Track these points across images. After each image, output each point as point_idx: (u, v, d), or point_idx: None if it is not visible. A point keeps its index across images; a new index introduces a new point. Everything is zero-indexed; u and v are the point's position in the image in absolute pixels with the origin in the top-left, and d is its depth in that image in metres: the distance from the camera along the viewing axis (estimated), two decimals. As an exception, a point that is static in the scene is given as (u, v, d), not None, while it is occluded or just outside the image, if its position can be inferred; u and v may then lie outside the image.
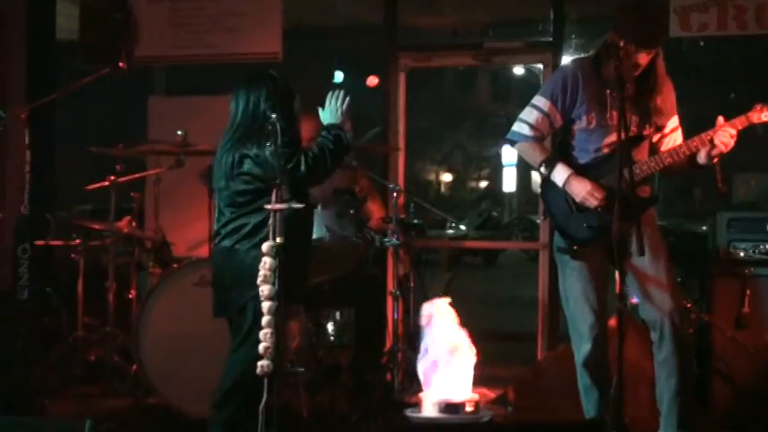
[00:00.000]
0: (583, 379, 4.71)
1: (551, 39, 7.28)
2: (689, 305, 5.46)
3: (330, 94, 4.44)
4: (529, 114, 4.70)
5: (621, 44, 4.32)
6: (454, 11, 9.85)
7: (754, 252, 5.45)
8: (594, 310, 4.63)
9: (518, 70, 25.56)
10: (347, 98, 4.41)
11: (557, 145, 4.80)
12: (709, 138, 4.41)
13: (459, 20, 10.40)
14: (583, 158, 4.65)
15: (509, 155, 37.30)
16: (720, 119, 4.42)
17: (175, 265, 5.83)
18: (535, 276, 7.48)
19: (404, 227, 6.14)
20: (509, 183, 37.70)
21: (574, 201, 4.57)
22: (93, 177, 6.39)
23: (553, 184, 4.63)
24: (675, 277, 4.71)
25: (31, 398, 5.50)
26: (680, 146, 4.55)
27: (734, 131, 4.39)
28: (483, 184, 39.83)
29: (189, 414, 5.19)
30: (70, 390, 6.15)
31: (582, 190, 4.49)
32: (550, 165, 4.58)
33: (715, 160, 4.51)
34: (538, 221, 9.01)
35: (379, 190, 6.51)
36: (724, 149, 4.40)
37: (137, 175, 6.55)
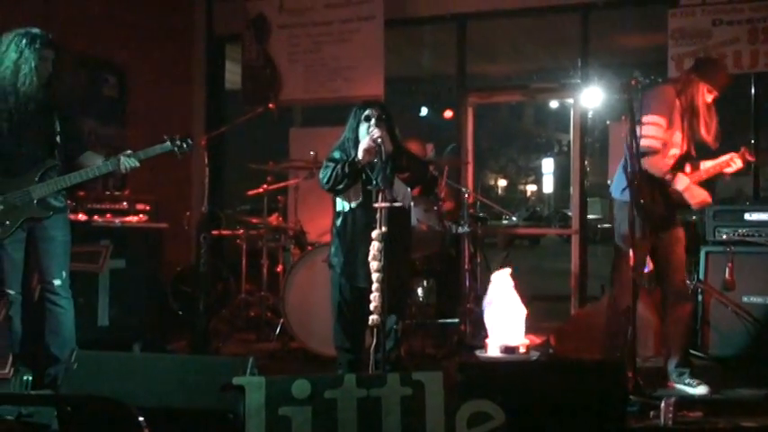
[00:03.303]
0: None
1: (579, 80, 7.12)
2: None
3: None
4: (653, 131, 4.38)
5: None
6: (508, 62, 9.78)
7: (733, 235, 5.29)
8: None
9: (554, 104, 25.23)
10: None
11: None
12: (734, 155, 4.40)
13: (512, 68, 10.32)
14: None
15: (547, 166, 36.91)
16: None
17: (309, 248, 5.83)
18: (568, 254, 7.33)
19: (472, 218, 6.06)
20: (548, 186, 37.20)
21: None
22: (251, 185, 6.42)
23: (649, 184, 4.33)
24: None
25: (209, 342, 5.54)
26: (726, 159, 4.42)
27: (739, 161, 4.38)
28: (529, 187, 39.37)
29: (319, 354, 5.18)
30: (236, 336, 6.20)
31: (701, 194, 4.31)
32: (673, 173, 4.32)
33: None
34: (569, 214, 8.83)
35: (454, 192, 6.45)
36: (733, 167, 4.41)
37: (282, 184, 6.56)
